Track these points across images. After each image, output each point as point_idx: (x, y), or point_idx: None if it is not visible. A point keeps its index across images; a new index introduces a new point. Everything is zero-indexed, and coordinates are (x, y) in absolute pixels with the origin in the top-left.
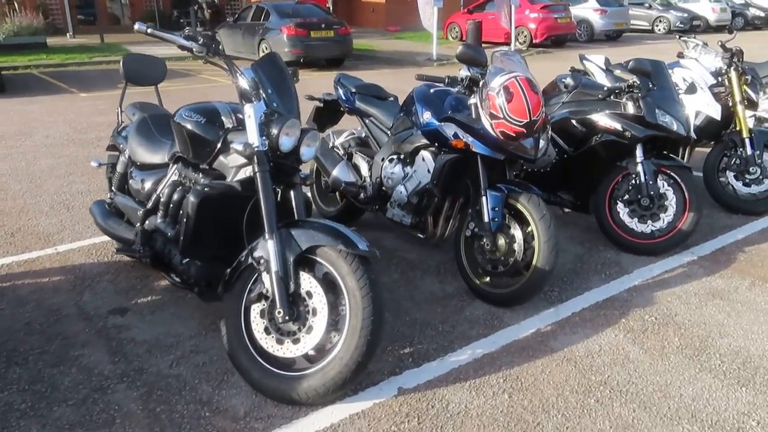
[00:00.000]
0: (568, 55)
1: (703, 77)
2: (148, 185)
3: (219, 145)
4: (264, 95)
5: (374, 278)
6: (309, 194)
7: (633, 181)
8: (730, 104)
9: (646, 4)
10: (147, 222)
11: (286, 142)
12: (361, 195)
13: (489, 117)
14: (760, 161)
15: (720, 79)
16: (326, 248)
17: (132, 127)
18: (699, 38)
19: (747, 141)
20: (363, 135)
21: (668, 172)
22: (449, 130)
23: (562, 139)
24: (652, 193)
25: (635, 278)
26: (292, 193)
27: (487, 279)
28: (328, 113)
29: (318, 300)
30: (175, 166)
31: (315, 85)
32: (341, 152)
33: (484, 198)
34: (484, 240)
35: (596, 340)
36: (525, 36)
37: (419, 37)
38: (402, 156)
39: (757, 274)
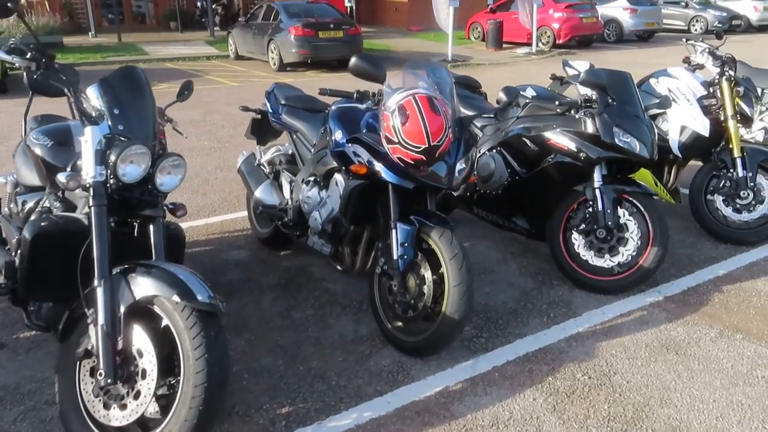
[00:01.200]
0: (594, 56)
1: (691, 88)
2: (25, 210)
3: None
4: (108, 116)
5: (215, 336)
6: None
7: (590, 209)
8: (722, 118)
9: (683, 3)
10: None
11: (129, 172)
12: (285, 218)
13: (385, 141)
14: (752, 184)
15: (711, 90)
16: (162, 298)
17: (21, 143)
18: (739, 37)
19: (738, 161)
20: (290, 152)
21: (631, 199)
22: (355, 152)
23: (515, 159)
24: (609, 223)
25: (581, 323)
26: (151, 228)
27: (399, 323)
28: (268, 125)
29: (148, 360)
30: (48, 191)
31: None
32: (267, 170)
33: (393, 231)
34: (393, 280)
35: (509, 404)
36: (548, 36)
37: (440, 38)
38: (318, 179)
39: (729, 322)
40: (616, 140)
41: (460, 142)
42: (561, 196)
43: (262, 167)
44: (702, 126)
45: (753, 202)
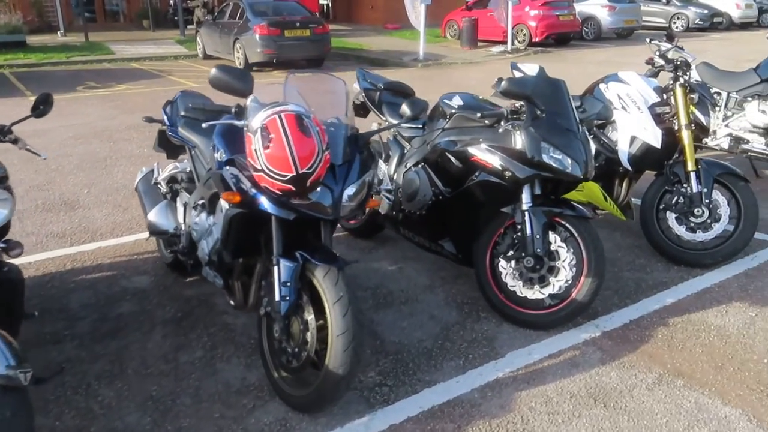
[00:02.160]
0: (571, 55)
1: (642, 94)
2: None
3: None
4: None
5: (12, 416)
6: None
7: (518, 234)
8: (676, 128)
9: (664, 0)
10: None
11: None
12: (178, 245)
13: (250, 167)
14: (707, 201)
15: (665, 96)
16: None
17: None
18: (720, 35)
19: (692, 175)
20: (188, 169)
21: (564, 223)
22: (234, 175)
23: (438, 176)
24: (538, 250)
25: (503, 367)
26: None
27: (285, 373)
28: None
29: None
30: None
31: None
32: (164, 189)
33: (276, 268)
34: (275, 324)
35: None
36: (524, 34)
37: (416, 36)
38: (205, 203)
39: (671, 364)
40: (544, 157)
41: (352, 164)
42: (488, 218)
43: (159, 186)
44: (653, 136)
45: (708, 221)
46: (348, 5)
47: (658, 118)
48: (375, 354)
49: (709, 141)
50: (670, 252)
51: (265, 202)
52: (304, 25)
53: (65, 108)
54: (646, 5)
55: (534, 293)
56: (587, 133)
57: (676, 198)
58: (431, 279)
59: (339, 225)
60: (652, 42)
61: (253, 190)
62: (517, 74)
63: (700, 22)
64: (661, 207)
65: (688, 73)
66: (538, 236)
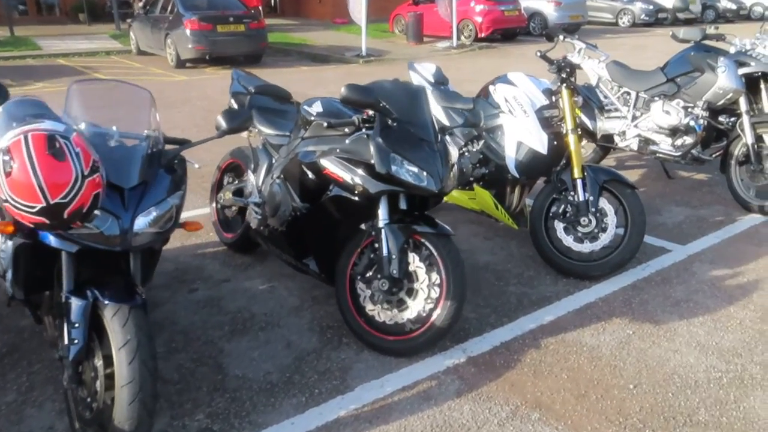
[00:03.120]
0: (516, 50)
1: (530, 96)
2: None
3: None
4: None
5: None
6: None
7: (376, 253)
8: (564, 132)
9: None
10: None
11: None
12: None
13: None
14: (594, 209)
15: (554, 99)
16: None
17: None
18: (664, 30)
19: (579, 183)
20: None
21: (424, 242)
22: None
23: (295, 189)
24: (394, 271)
25: (348, 403)
26: None
27: (84, 426)
28: None
29: None
30: None
31: (213, 86)
32: None
33: (65, 307)
34: (65, 371)
35: None
36: (470, 30)
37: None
38: None
39: (532, 393)
40: (394, 170)
41: (150, 186)
42: (347, 235)
43: None
44: (539, 141)
45: (595, 230)
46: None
47: (547, 122)
48: (211, 392)
49: (619, 142)
50: (558, 263)
51: (43, 231)
52: (238, 20)
53: None
54: (593, 0)
55: (392, 318)
56: (448, 142)
57: (563, 206)
58: (302, 299)
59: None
60: (565, 39)
61: None
62: (414, 75)
63: (645, 18)
64: (549, 216)
65: (572, 75)
66: (394, 256)
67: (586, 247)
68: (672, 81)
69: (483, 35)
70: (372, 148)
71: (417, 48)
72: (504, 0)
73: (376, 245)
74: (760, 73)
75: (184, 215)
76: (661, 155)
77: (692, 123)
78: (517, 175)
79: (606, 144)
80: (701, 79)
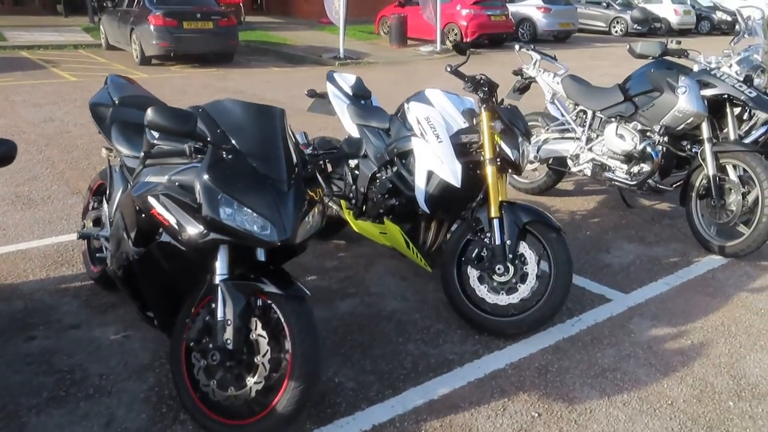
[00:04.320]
0: (500, 57)
1: (447, 118)
2: None
3: None
4: None
5: None
6: None
7: (212, 315)
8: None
9: (604, 3)
10: None
11: None
12: None
13: None
14: (512, 255)
15: (476, 121)
16: None
17: None
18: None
19: (495, 223)
20: None
21: (269, 303)
22: None
23: (130, 228)
24: (228, 341)
25: None
26: None
27: None
28: None
29: None
30: None
31: (172, 85)
32: None
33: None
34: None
35: None
36: (455, 34)
37: (349, 32)
38: None
39: None
40: (223, 215)
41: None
42: (185, 290)
43: None
44: (450, 172)
45: (513, 281)
46: None
47: (464, 149)
48: None
49: (572, 166)
50: (470, 316)
51: None
52: (206, 16)
53: None
54: (586, 8)
55: (228, 398)
56: (349, 170)
57: (477, 250)
58: (154, 356)
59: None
60: (521, 49)
61: None
62: (330, 87)
63: (638, 27)
64: (462, 260)
65: (493, 95)
66: (230, 322)
67: (503, 300)
68: (630, 101)
69: (468, 40)
70: (198, 186)
71: (399, 51)
72: (491, 5)
73: (213, 305)
74: (725, 96)
75: (52, 241)
76: (616, 183)
77: (649, 149)
78: (427, 210)
79: (558, 168)
80: (660, 100)
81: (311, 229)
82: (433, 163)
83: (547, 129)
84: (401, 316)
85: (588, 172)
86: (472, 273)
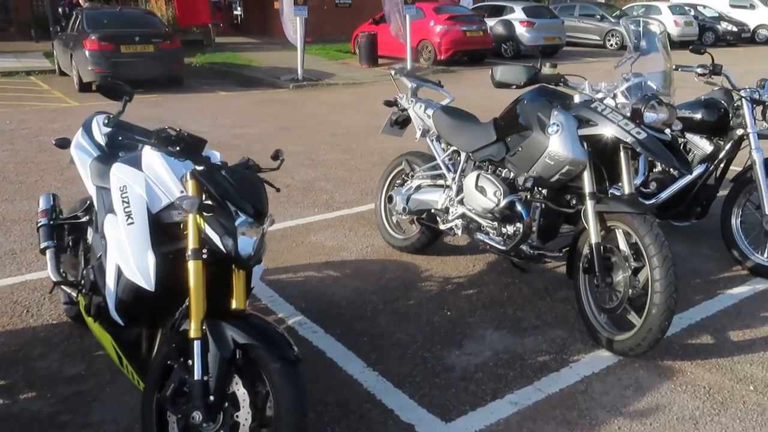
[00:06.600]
0: (474, 75)
1: (156, 189)
2: None
3: None
4: None
5: None
6: None
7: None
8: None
9: (598, 16)
10: None
11: None
12: None
13: None
14: (216, 398)
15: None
16: None
17: None
18: None
19: (196, 346)
20: None
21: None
22: None
23: None
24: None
25: None
26: None
27: None
28: None
29: None
30: None
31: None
32: None
33: None
34: None
35: None
36: (429, 51)
37: (324, 52)
38: None
39: None
40: None
41: None
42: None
43: None
44: (137, 269)
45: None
46: (262, 17)
47: (178, 232)
48: None
49: (441, 222)
50: None
51: None
52: (146, 39)
53: None
54: (579, 21)
55: None
56: None
57: (175, 384)
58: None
59: None
60: (396, 76)
61: None
62: (81, 137)
63: (635, 41)
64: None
65: (200, 149)
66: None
67: None
68: (502, 141)
69: (443, 57)
70: None
71: (368, 71)
72: (467, 20)
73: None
74: (612, 137)
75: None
76: (488, 245)
77: (518, 206)
78: (119, 321)
79: (429, 224)
80: (529, 141)
81: None
82: (120, 256)
83: (420, 174)
84: None
85: (458, 231)
86: (171, 420)
